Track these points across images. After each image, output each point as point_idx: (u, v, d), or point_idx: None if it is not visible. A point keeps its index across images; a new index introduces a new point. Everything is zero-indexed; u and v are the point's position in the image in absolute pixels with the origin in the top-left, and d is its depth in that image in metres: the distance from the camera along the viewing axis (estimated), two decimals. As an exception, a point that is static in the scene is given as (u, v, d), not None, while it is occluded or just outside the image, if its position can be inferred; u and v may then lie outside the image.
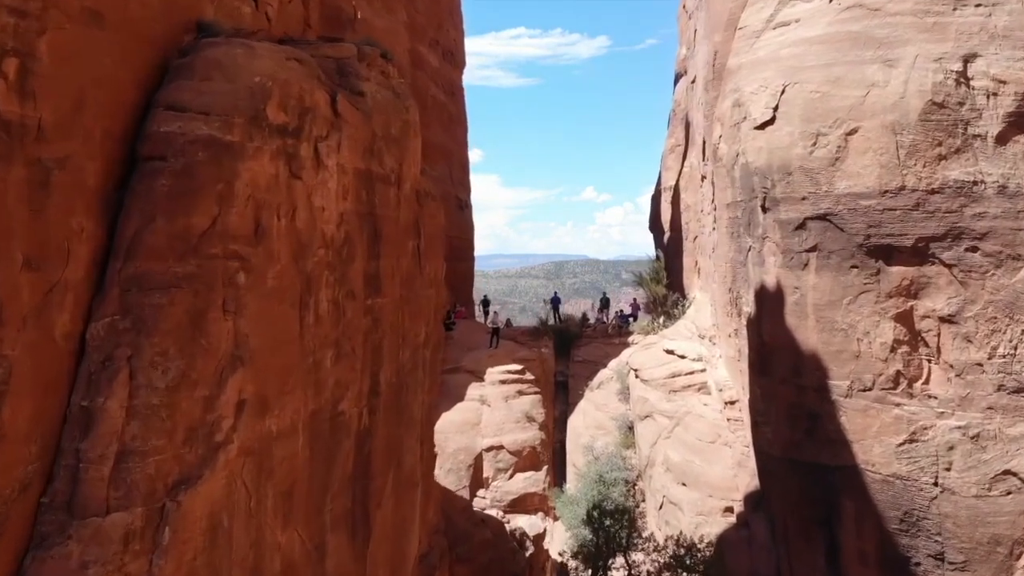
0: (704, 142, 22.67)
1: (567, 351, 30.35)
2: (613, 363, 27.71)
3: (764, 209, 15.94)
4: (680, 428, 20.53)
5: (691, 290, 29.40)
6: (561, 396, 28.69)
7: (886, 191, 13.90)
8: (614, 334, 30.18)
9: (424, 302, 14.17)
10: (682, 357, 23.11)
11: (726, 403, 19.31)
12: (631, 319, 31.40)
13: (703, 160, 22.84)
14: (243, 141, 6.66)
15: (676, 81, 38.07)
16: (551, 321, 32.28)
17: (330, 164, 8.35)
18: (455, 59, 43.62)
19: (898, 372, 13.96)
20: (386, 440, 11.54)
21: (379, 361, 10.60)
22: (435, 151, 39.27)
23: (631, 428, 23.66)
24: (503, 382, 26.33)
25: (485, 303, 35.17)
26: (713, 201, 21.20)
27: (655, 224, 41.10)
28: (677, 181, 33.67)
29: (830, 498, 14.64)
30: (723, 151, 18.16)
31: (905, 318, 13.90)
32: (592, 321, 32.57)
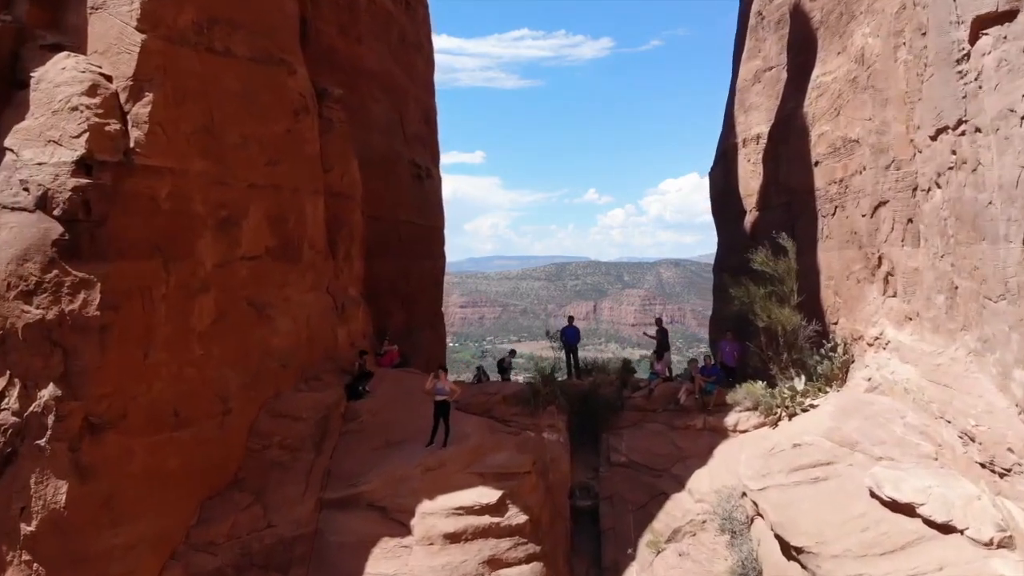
0: None
1: (593, 436, 15.30)
2: (703, 482, 12.59)
3: None
4: None
5: (856, 319, 14.20)
6: (584, 547, 13.55)
7: None
8: (691, 407, 14.99)
9: None
10: (939, 527, 8.07)
11: None
12: (720, 378, 15.76)
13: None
14: None
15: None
16: (563, 374, 17.09)
17: None
18: (414, -47, 28.32)
19: None
20: None
21: None
22: (370, 81, 23.83)
23: None
24: (453, 538, 11.30)
25: (503, 369, 19.44)
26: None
27: (724, 202, 25.89)
28: (788, 114, 18.65)
29: None
30: None
31: None
32: (648, 378, 16.79)
